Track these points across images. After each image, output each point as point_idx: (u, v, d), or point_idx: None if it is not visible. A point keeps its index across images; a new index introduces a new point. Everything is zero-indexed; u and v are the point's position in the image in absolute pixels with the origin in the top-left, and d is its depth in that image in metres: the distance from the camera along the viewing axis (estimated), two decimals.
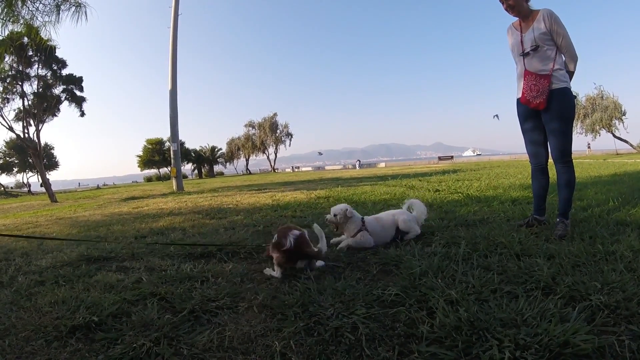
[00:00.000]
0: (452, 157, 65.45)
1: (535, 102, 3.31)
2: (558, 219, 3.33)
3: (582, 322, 1.63)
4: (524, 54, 3.36)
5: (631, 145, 47.10)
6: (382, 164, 60.32)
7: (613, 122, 46.29)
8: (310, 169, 75.32)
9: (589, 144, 48.84)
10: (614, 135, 47.33)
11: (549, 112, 3.28)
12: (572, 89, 3.30)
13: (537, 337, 1.53)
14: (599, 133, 47.55)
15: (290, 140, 72.42)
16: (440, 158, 63.00)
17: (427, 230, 3.64)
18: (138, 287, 2.42)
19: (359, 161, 64.49)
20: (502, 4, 3.37)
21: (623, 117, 46.44)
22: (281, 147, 72.34)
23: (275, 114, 71.58)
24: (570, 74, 3.34)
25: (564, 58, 3.31)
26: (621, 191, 5.62)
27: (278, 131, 71.53)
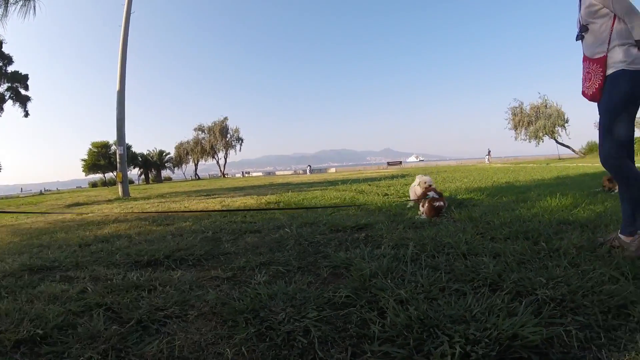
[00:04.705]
0: (400, 162, 66.88)
1: (589, 93, 2.71)
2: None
3: (529, 315, 1.68)
4: (579, 37, 2.77)
5: (573, 150, 50.18)
6: (333, 170, 60.79)
7: (556, 129, 49.24)
8: (260, 174, 74.83)
9: (489, 150, 51.53)
10: (557, 142, 50.29)
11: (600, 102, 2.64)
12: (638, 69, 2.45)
13: (487, 332, 1.56)
14: (542, 139, 50.44)
15: (241, 145, 71.75)
16: (389, 163, 64.07)
17: (376, 233, 3.70)
18: (83, 298, 2.31)
19: (310, 166, 64.64)
20: None
21: (566, 124, 49.49)
22: (231, 152, 71.55)
23: (226, 118, 70.71)
24: None
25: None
26: (563, 193, 5.89)
27: (228, 136, 70.66)
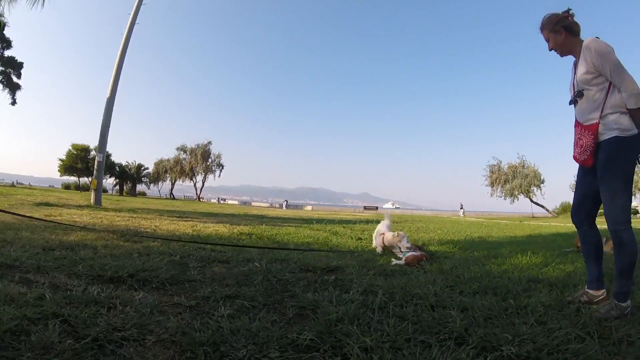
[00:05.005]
0: (377, 207, 67.44)
1: (581, 158, 2.81)
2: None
3: None
4: (572, 102, 2.87)
5: (547, 209, 51.70)
6: (309, 207, 60.83)
7: (531, 188, 50.89)
8: (236, 202, 74.23)
9: (461, 204, 52.79)
10: (532, 200, 51.80)
11: (597, 169, 2.71)
12: (633, 135, 2.56)
13: None
14: (517, 197, 51.96)
15: (221, 171, 71.61)
16: (365, 207, 64.52)
17: (346, 277, 3.67)
18: (40, 305, 2.21)
19: (287, 201, 64.54)
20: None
21: (541, 184, 51.23)
22: (210, 176, 71.24)
23: (209, 142, 70.80)
24: (635, 115, 2.56)
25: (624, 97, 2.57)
26: (534, 251, 5.97)
27: (210, 160, 70.47)
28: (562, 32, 2.80)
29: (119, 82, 17.37)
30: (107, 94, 16.90)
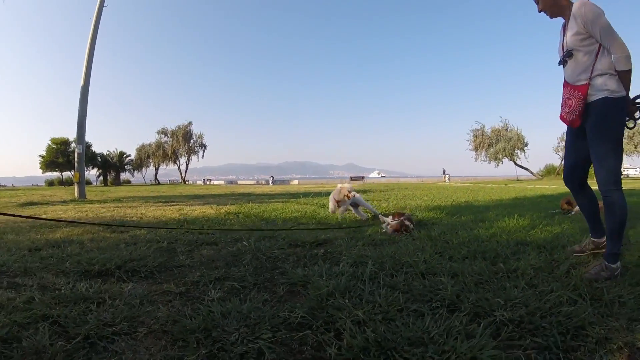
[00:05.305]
0: (363, 177, 67.61)
1: (568, 118, 2.85)
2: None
3: (487, 337, 1.68)
4: (562, 62, 2.89)
5: (531, 172, 52.55)
6: (296, 182, 60.77)
7: (515, 151, 51.53)
8: (222, 182, 73.78)
9: (444, 170, 53.67)
10: (516, 164, 52.52)
11: (587, 131, 2.77)
12: (621, 96, 2.61)
13: (445, 355, 1.55)
14: (502, 161, 52.62)
15: (204, 151, 70.90)
16: (351, 178, 64.67)
17: (335, 249, 3.67)
18: (30, 309, 2.18)
19: (273, 177, 64.41)
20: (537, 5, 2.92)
21: (525, 147, 51.89)
22: (194, 158, 70.48)
23: (190, 123, 69.80)
24: (624, 76, 2.61)
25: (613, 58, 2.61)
26: (521, 213, 6.04)
27: (192, 141, 69.63)
28: None
29: (95, 67, 16.89)
30: (81, 81, 16.41)
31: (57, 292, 2.48)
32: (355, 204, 6.16)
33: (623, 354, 1.63)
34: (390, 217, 4.91)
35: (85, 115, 16.56)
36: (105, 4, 17.13)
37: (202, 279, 2.74)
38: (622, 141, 2.72)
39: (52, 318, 2.05)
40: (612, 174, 2.65)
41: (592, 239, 3.17)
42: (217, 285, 2.60)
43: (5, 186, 61.51)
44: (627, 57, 2.55)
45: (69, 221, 6.40)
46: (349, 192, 5.80)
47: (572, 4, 2.75)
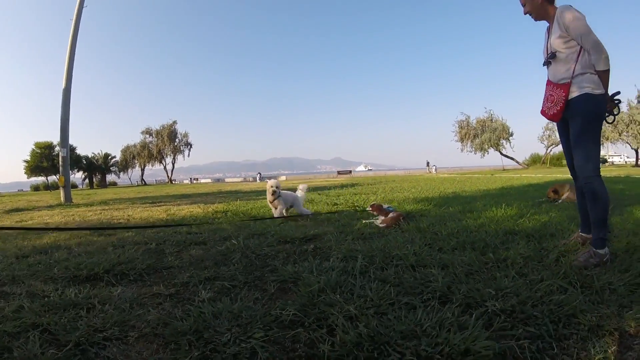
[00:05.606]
0: (350, 171, 67.63)
1: (550, 113, 3.05)
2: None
3: (480, 328, 1.69)
4: (546, 63, 3.08)
5: (517, 161, 53.15)
6: (284, 177, 60.64)
7: (501, 141, 52.06)
8: (209, 181, 73.33)
9: (427, 162, 54.30)
10: (501, 153, 53.06)
11: (568, 124, 2.99)
12: (600, 93, 2.80)
13: (438, 347, 1.56)
14: (487, 151, 53.12)
15: (190, 150, 70.20)
16: (339, 172, 64.55)
17: (325, 244, 3.67)
18: (19, 317, 2.14)
19: (260, 174, 64.08)
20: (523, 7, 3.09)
21: (510, 137, 52.46)
22: (179, 157, 69.84)
23: (174, 122, 69.03)
24: (603, 76, 2.80)
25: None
26: (508, 203, 6.10)
27: (177, 140, 68.98)
28: None
29: (76, 68, 16.61)
30: (63, 84, 16.13)
31: (46, 299, 2.45)
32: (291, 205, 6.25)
33: (614, 339, 1.65)
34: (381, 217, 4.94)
35: (68, 118, 16.30)
36: (85, 5, 16.84)
37: (191, 280, 2.72)
38: (600, 133, 2.92)
39: (42, 326, 2.02)
40: (592, 162, 2.82)
41: (582, 234, 3.24)
42: (207, 286, 2.58)
43: None
44: (606, 59, 2.75)
45: (55, 229, 6.32)
46: (272, 187, 5.98)
47: (556, 8, 2.93)
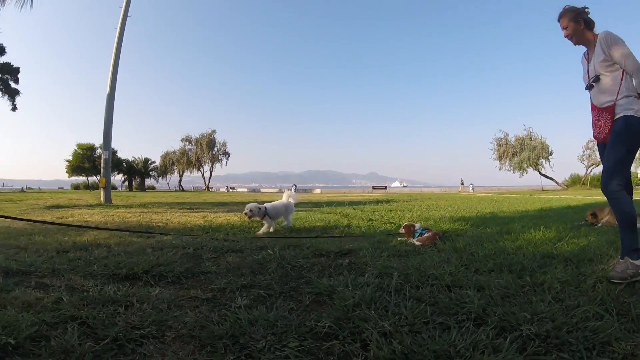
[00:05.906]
0: (385, 187, 67.23)
1: (600, 138, 3.12)
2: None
3: (514, 352, 1.67)
4: (588, 87, 3.17)
5: (556, 182, 51.53)
6: (318, 190, 60.72)
7: (540, 161, 50.58)
8: (245, 190, 74.28)
9: (462, 180, 53.18)
10: (540, 173, 51.56)
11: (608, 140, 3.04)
12: None
13: None
14: (526, 170, 51.70)
15: (227, 159, 71.65)
16: (374, 187, 64.21)
17: (360, 259, 3.66)
18: (58, 309, 2.22)
19: (295, 186, 64.49)
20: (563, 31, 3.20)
21: (550, 156, 50.95)
22: (217, 165, 71.29)
23: (213, 131, 70.70)
24: None
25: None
26: (547, 225, 5.95)
27: (215, 149, 70.52)
28: (581, 23, 3.11)
29: (121, 74, 17.30)
30: (107, 90, 16.81)
31: (85, 293, 2.53)
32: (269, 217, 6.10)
33: None
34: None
35: (112, 123, 16.95)
36: (129, 14, 17.54)
37: (228, 286, 2.76)
38: (634, 155, 3.03)
39: (80, 319, 2.08)
40: (621, 177, 2.94)
41: (621, 260, 3.11)
42: (243, 293, 2.62)
43: (32, 189, 63.36)
44: None
45: (96, 227, 6.54)
46: (245, 211, 5.94)
47: (596, 35, 3.07)
